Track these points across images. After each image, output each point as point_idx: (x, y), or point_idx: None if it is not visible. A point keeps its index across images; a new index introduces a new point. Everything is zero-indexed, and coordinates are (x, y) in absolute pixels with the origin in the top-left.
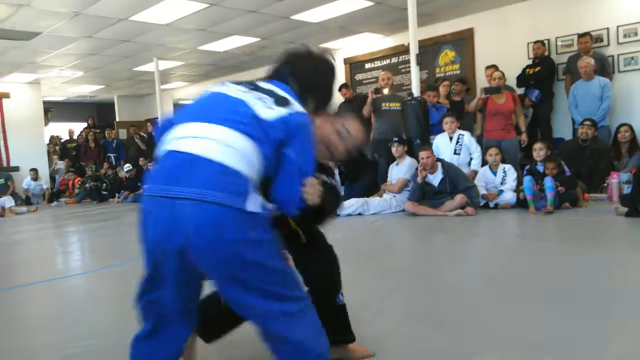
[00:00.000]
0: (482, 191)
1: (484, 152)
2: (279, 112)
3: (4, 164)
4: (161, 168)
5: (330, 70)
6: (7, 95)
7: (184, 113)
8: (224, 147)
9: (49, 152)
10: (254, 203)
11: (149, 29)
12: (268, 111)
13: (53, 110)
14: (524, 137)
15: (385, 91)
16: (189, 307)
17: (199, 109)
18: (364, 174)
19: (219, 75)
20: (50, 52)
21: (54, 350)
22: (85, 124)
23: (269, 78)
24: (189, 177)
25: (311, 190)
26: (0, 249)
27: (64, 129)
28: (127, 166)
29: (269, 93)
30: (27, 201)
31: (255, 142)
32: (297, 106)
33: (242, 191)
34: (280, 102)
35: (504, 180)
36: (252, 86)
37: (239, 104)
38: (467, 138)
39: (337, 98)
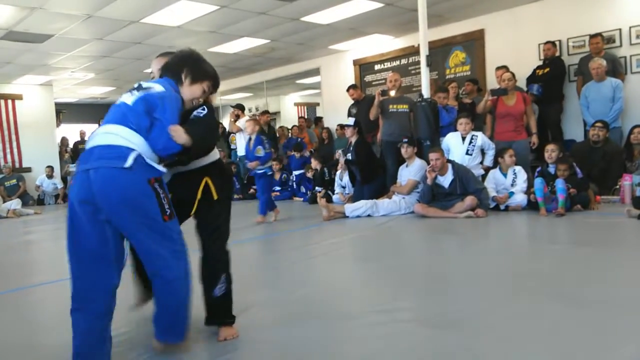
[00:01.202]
0: (492, 193)
1: (496, 154)
2: (136, 95)
3: (17, 165)
4: (80, 159)
5: (185, 54)
6: (19, 97)
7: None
8: (106, 134)
9: (60, 153)
10: (131, 161)
11: (160, 31)
12: (131, 98)
13: (65, 111)
14: (534, 138)
15: (392, 93)
16: (108, 252)
17: (104, 119)
18: (378, 176)
19: (230, 76)
20: (63, 55)
21: (65, 350)
22: (96, 125)
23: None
24: (90, 158)
25: (175, 132)
26: (12, 250)
27: (75, 131)
28: None
29: (138, 87)
30: (40, 202)
31: (127, 123)
32: (155, 88)
33: (119, 156)
34: (139, 89)
35: (514, 182)
36: (137, 86)
37: (120, 105)
38: (481, 138)
39: (345, 99)
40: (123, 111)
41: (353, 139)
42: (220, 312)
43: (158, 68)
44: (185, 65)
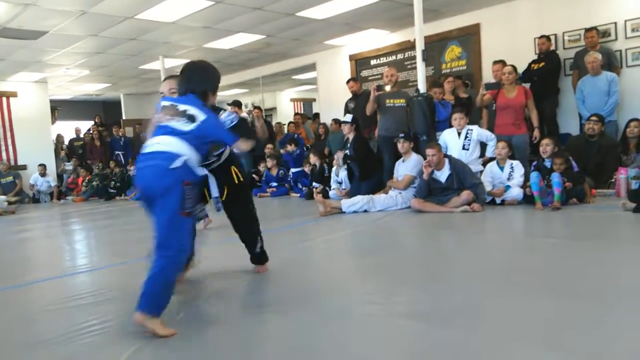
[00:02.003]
0: (489, 187)
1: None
2: (192, 126)
3: (12, 162)
4: (139, 159)
5: (205, 69)
6: (14, 95)
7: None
8: (159, 144)
9: (56, 150)
10: (178, 163)
11: (155, 27)
12: (187, 126)
13: (60, 109)
14: (536, 132)
15: (387, 88)
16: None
17: (155, 131)
18: (376, 172)
19: (226, 72)
20: (57, 51)
21: (63, 347)
22: (92, 122)
23: (182, 94)
24: (147, 159)
25: (242, 146)
26: (7, 247)
27: (70, 128)
28: None
29: (182, 114)
30: (35, 200)
31: (180, 137)
32: (199, 117)
33: (168, 158)
34: (190, 119)
35: (510, 176)
36: (170, 105)
37: (172, 127)
38: (476, 132)
39: (342, 94)
40: (175, 130)
41: (351, 136)
42: (261, 260)
43: (169, 89)
44: (209, 86)
